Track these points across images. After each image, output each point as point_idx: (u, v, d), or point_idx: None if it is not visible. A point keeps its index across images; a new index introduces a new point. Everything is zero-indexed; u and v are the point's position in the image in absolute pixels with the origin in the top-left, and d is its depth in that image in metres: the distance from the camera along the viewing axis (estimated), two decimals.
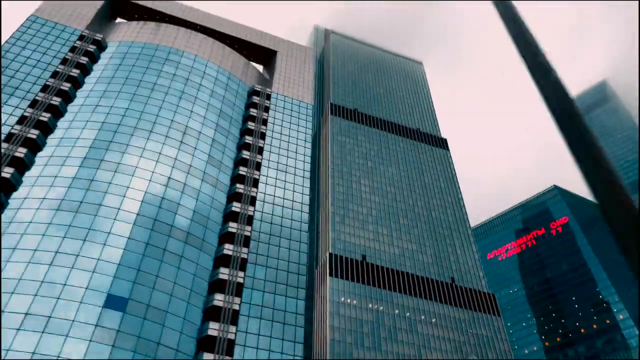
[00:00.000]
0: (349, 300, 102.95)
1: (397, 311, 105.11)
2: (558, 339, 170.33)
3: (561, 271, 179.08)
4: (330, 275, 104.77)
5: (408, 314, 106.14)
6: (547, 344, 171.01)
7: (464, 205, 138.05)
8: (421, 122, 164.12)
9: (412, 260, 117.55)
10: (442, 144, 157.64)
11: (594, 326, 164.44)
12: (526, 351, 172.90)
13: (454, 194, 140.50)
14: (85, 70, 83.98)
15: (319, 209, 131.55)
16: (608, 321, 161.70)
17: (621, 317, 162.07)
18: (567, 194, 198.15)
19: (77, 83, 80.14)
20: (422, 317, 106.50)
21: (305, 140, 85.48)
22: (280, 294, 58.52)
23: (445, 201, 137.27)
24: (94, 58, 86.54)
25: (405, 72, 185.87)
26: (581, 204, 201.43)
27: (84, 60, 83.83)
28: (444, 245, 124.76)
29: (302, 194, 75.92)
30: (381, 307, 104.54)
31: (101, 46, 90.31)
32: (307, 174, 79.55)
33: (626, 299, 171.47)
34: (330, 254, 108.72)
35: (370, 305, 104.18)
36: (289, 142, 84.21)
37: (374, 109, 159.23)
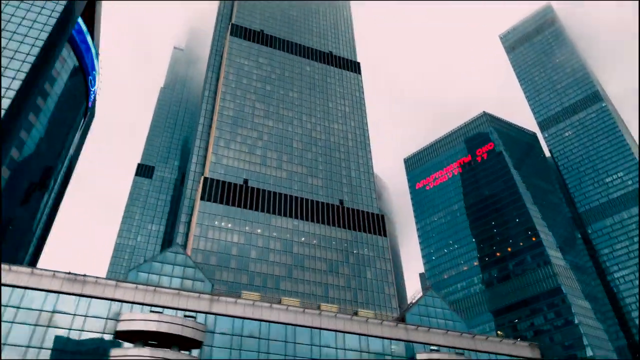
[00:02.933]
0: (223, 224, 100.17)
1: (274, 233, 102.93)
2: (476, 263, 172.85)
3: (483, 196, 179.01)
4: (202, 199, 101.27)
5: (288, 235, 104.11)
6: (465, 268, 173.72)
7: (367, 130, 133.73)
8: (336, 45, 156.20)
9: (300, 184, 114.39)
10: (354, 67, 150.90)
11: (509, 249, 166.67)
12: (445, 276, 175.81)
13: (358, 119, 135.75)
14: None
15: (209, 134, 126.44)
16: (525, 242, 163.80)
17: (543, 236, 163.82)
18: (496, 120, 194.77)
19: None
20: (302, 239, 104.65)
21: (46, 24, 77.36)
22: None
23: (348, 125, 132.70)
24: None
25: None
26: (511, 130, 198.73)
27: None
28: (338, 168, 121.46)
29: (15, 78, 68.88)
30: (258, 230, 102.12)
31: None
32: (32, 58, 72.33)
33: (550, 224, 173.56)
34: (206, 179, 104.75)
35: (246, 228, 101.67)
36: (20, 24, 76.66)
37: (284, 31, 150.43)
